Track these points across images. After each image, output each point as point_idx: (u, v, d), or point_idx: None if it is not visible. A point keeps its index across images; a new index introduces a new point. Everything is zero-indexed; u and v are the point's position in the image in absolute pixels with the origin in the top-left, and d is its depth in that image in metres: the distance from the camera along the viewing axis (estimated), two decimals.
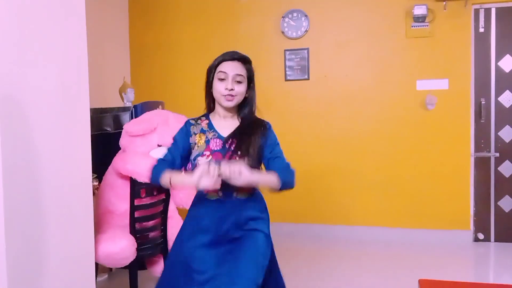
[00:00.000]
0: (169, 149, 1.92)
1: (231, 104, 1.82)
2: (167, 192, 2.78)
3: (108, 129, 3.32)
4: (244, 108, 1.89)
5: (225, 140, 1.83)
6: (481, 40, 4.04)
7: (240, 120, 1.90)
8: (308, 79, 4.34)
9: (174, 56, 4.70)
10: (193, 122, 1.92)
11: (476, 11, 4.04)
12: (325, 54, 4.33)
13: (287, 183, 1.78)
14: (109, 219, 2.69)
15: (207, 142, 1.85)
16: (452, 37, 4.04)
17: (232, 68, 1.82)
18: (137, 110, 3.31)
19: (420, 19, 4.01)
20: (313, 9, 4.32)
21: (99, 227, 2.64)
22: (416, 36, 4.10)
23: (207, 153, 1.81)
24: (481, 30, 4.04)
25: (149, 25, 4.76)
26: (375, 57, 4.22)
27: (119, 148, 2.81)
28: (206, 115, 1.94)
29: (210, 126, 1.89)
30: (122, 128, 2.82)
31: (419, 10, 3.96)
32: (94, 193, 2.74)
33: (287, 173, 1.79)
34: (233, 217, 1.81)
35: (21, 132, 1.80)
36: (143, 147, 2.66)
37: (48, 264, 1.93)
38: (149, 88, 4.72)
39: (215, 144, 1.84)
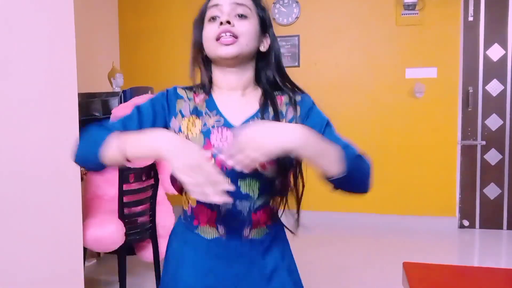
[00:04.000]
0: (121, 120, 1.10)
1: (231, 50, 1.03)
2: (155, 177, 2.78)
3: (97, 114, 3.29)
4: (265, 71, 1.12)
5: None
6: (470, 29, 4.07)
7: (262, 93, 1.11)
8: (298, 66, 4.34)
9: (164, 42, 4.66)
10: (181, 92, 1.15)
11: (466, 0, 4.06)
12: (315, 41, 4.33)
13: (356, 170, 1.06)
14: (97, 204, 2.69)
15: (206, 133, 1.06)
16: (442, 25, 4.06)
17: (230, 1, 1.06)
18: (126, 95, 3.28)
19: (410, 7, 4.01)
20: None
21: (87, 212, 2.64)
22: (406, 24, 4.11)
23: (208, 153, 1.01)
24: (470, 18, 4.06)
25: (139, 10, 4.70)
26: (365, 44, 4.23)
27: None
28: (204, 87, 1.15)
29: (211, 104, 1.11)
30: (111, 113, 2.80)
31: None
32: (82, 178, 2.73)
33: (356, 159, 1.09)
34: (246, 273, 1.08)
35: (7, 116, 1.78)
36: None
37: (36, 249, 1.93)
38: (138, 73, 4.68)
39: (220, 137, 1.06)
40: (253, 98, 1.11)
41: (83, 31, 3.91)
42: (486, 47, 4.05)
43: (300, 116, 1.12)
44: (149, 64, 4.71)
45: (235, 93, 1.11)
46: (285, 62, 4.32)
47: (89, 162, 1.05)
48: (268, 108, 1.08)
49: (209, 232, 1.08)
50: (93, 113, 3.29)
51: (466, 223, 4.17)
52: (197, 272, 1.08)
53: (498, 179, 4.09)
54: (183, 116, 1.09)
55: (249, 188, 1.04)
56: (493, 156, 4.10)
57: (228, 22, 1.04)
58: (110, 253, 2.68)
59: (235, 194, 0.99)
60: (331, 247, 3.71)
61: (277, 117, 1.08)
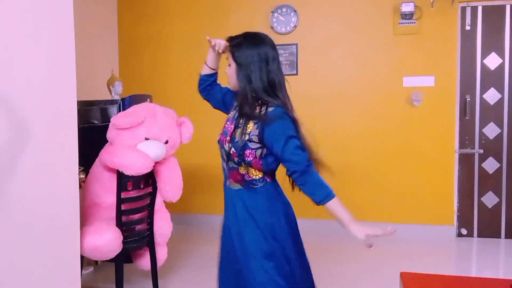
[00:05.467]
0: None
1: (230, 87, 1.84)
2: (154, 185, 2.78)
3: (96, 122, 3.30)
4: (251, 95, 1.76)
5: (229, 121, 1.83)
6: (467, 38, 4.10)
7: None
8: (296, 74, 4.36)
9: (163, 50, 4.68)
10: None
11: (463, 9, 4.09)
12: (313, 50, 4.35)
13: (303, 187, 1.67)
14: (95, 211, 2.69)
15: (226, 120, 1.85)
16: (439, 34, 4.09)
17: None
18: (125, 103, 3.29)
19: (408, 16, 4.04)
20: (302, 5, 4.34)
21: (85, 219, 2.64)
22: (404, 33, 4.14)
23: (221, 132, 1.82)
24: (468, 28, 4.09)
25: (138, 18, 4.73)
26: (362, 53, 4.26)
27: (107, 141, 2.80)
28: None
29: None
30: (110, 121, 2.81)
31: (407, 7, 3.99)
32: (80, 186, 2.74)
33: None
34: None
35: (6, 124, 1.78)
36: (130, 140, 2.65)
37: (33, 256, 1.93)
38: (137, 81, 4.70)
39: (226, 125, 1.82)
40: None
41: (82, 39, 3.93)
42: (484, 55, 4.08)
43: (259, 136, 1.67)
44: (148, 72, 4.72)
45: None
46: (284, 70, 4.31)
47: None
48: (240, 124, 1.74)
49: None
50: (92, 121, 3.30)
51: (464, 231, 4.17)
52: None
53: (496, 187, 4.10)
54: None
55: (225, 155, 1.77)
56: (491, 165, 4.11)
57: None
58: (107, 261, 2.67)
59: (221, 157, 1.80)
60: (328, 255, 3.71)
61: (238, 130, 1.73)
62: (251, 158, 1.69)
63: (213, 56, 1.94)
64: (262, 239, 1.70)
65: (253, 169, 1.72)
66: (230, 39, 1.81)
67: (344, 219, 1.53)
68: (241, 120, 1.72)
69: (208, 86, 1.98)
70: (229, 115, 1.87)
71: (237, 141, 1.69)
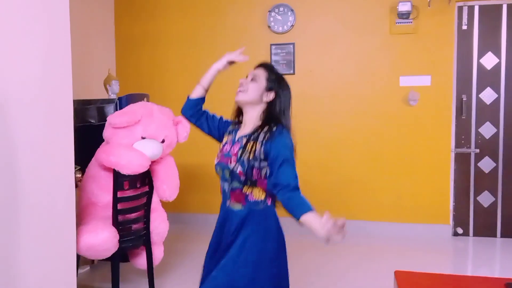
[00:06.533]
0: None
1: (237, 97, 1.83)
2: (150, 184, 2.78)
3: (92, 121, 3.30)
4: (270, 112, 1.82)
5: (227, 144, 1.85)
6: (464, 37, 4.11)
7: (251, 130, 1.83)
8: (293, 73, 4.37)
9: (161, 49, 4.68)
10: (231, 127, 1.94)
11: (460, 9, 4.10)
12: (310, 49, 4.36)
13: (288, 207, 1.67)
14: (91, 210, 2.69)
15: (223, 145, 1.87)
16: (436, 34, 4.10)
17: (254, 71, 1.87)
18: (122, 102, 3.29)
19: (405, 15, 4.05)
20: (299, 4, 4.34)
21: (81, 218, 2.64)
22: (400, 33, 4.15)
23: (218, 155, 1.85)
24: (464, 27, 4.10)
25: (135, 17, 4.72)
26: (359, 52, 4.26)
27: (103, 140, 2.80)
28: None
29: (235, 130, 1.89)
30: (106, 120, 2.80)
31: (404, 7, 4.00)
32: (77, 185, 2.74)
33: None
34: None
35: (2, 123, 1.78)
36: (127, 139, 2.65)
37: (29, 256, 1.93)
38: (135, 80, 4.69)
39: (225, 148, 1.84)
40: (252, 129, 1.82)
41: (79, 38, 3.92)
42: (480, 55, 4.09)
43: (264, 153, 1.72)
44: (145, 71, 4.72)
45: (246, 125, 1.85)
46: (281, 69, 4.35)
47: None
48: (247, 143, 1.77)
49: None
50: (89, 120, 3.29)
51: (460, 230, 4.19)
52: None
53: (492, 187, 4.11)
54: (227, 133, 1.94)
55: (229, 175, 1.78)
56: (486, 164, 4.12)
57: (241, 84, 1.83)
58: (103, 260, 2.68)
59: (222, 178, 1.82)
60: (324, 254, 3.71)
61: (246, 151, 1.76)
62: (256, 177, 1.73)
63: (213, 77, 1.96)
64: (250, 260, 1.73)
65: (257, 189, 1.76)
66: (268, 66, 1.90)
67: (317, 227, 1.53)
68: (248, 141, 1.76)
69: (198, 112, 1.97)
70: (225, 139, 1.90)
71: (243, 160, 1.73)
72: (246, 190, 1.75)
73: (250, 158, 1.71)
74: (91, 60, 4.29)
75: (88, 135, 3.03)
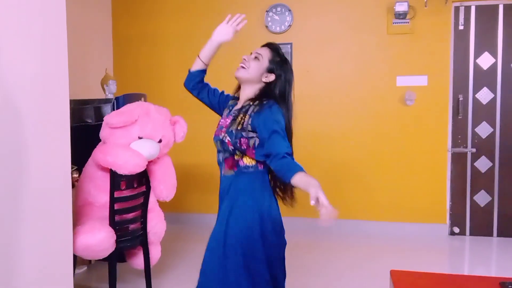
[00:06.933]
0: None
1: (237, 73, 1.88)
2: (147, 184, 2.78)
3: (89, 120, 3.30)
4: (267, 92, 1.88)
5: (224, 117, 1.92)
6: (460, 38, 4.12)
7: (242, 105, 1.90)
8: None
9: (158, 49, 4.67)
10: (231, 101, 2.00)
11: (456, 9, 4.11)
12: (308, 49, 4.36)
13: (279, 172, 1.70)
14: (88, 211, 2.69)
15: (221, 119, 1.95)
16: (432, 34, 4.11)
17: (259, 49, 1.91)
18: (119, 102, 3.29)
19: (401, 15, 4.06)
20: (296, 4, 4.34)
21: (78, 219, 2.64)
22: (397, 33, 4.16)
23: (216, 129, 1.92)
24: (461, 27, 4.12)
25: (132, 16, 4.72)
26: (357, 53, 4.27)
27: (100, 140, 2.80)
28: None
29: (233, 105, 1.95)
30: (103, 120, 2.80)
31: (401, 7, 4.01)
32: (74, 185, 2.73)
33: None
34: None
35: None
36: (124, 139, 2.65)
37: (26, 256, 1.93)
38: (132, 80, 4.69)
39: (221, 122, 1.92)
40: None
41: (76, 38, 3.92)
42: (476, 55, 4.11)
43: (251, 124, 1.78)
44: (142, 71, 4.71)
45: (242, 100, 1.90)
46: None
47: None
48: (238, 116, 1.85)
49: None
50: (86, 120, 3.29)
51: (456, 230, 4.20)
52: None
53: (488, 186, 4.13)
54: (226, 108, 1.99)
55: (220, 146, 1.87)
56: (483, 164, 4.14)
57: (244, 60, 1.88)
58: (101, 260, 2.68)
59: (218, 150, 1.90)
60: (320, 253, 3.72)
61: (235, 122, 1.84)
62: (245, 147, 1.79)
63: (211, 49, 2.01)
64: (246, 219, 1.78)
65: (246, 157, 1.83)
66: (274, 46, 1.93)
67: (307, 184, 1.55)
68: (240, 114, 1.83)
69: (198, 84, 2.04)
70: (224, 114, 1.98)
71: (232, 130, 1.81)
72: (237, 157, 1.82)
73: (238, 128, 1.78)
74: (88, 60, 4.28)
75: (85, 135, 3.03)
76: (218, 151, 1.90)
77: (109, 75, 3.72)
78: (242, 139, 1.78)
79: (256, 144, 1.78)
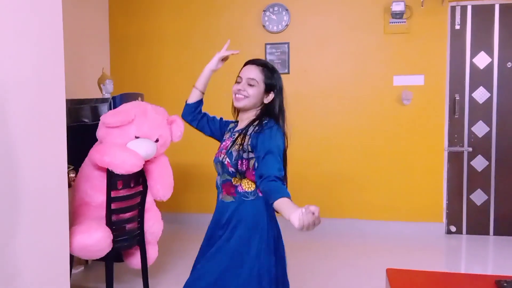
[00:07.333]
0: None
1: (238, 104, 1.83)
2: (144, 184, 2.78)
3: (86, 120, 3.29)
4: (269, 111, 1.85)
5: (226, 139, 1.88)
6: (457, 37, 4.14)
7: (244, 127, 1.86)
8: (288, 73, 4.38)
9: (155, 48, 4.67)
10: (231, 125, 1.98)
11: (453, 9, 4.13)
12: (305, 49, 4.37)
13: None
14: (85, 210, 2.68)
15: (222, 141, 1.91)
16: (429, 33, 4.13)
17: (247, 72, 1.85)
18: (116, 102, 3.29)
19: (398, 15, 4.07)
20: (294, 4, 4.35)
21: (75, 218, 2.63)
22: (394, 32, 4.17)
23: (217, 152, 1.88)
24: (457, 27, 4.13)
25: (129, 16, 4.71)
26: (354, 52, 4.28)
27: (97, 140, 2.80)
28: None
29: (233, 128, 1.93)
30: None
31: (397, 7, 4.02)
32: (70, 185, 2.73)
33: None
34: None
35: None
36: (121, 139, 2.65)
37: (22, 256, 1.93)
38: (130, 80, 4.68)
39: (222, 145, 1.88)
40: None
41: (73, 38, 3.91)
42: (473, 55, 4.12)
43: (250, 144, 1.75)
44: (139, 70, 4.71)
45: (243, 122, 1.88)
46: None
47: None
48: (238, 137, 1.83)
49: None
50: (83, 120, 3.29)
51: (453, 229, 4.22)
52: None
53: (485, 185, 4.14)
54: (227, 132, 1.97)
55: (220, 168, 1.83)
56: (479, 163, 4.15)
57: (239, 90, 1.82)
58: (98, 260, 2.67)
59: (217, 173, 1.86)
60: (317, 253, 3.73)
61: (235, 143, 1.81)
62: (245, 168, 1.75)
63: (208, 78, 1.99)
64: (240, 252, 1.73)
65: (246, 181, 1.78)
66: (263, 63, 1.87)
67: (287, 212, 1.49)
68: (240, 135, 1.81)
69: (197, 114, 2.01)
70: (225, 137, 1.93)
71: (232, 152, 1.77)
72: (236, 181, 1.78)
73: (239, 149, 1.76)
74: (85, 59, 4.27)
75: (82, 134, 3.02)
76: (218, 174, 1.86)
77: (106, 74, 3.72)
78: (243, 160, 1.75)
79: (256, 165, 1.73)
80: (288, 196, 1.54)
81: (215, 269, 1.72)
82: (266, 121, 1.78)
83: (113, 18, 4.76)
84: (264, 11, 4.38)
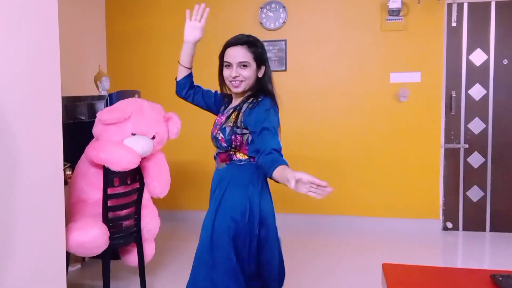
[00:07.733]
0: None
1: (238, 90, 1.84)
2: (141, 181, 2.78)
3: (83, 117, 3.28)
4: (256, 87, 1.87)
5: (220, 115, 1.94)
6: (453, 34, 4.14)
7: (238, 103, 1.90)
8: (285, 70, 4.37)
9: (152, 45, 4.66)
10: (226, 99, 2.01)
11: (449, 6, 4.13)
12: (302, 46, 4.37)
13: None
14: (81, 208, 2.67)
15: (217, 117, 1.96)
16: (425, 31, 4.13)
17: (235, 56, 1.83)
18: (112, 99, 3.28)
19: (395, 12, 4.07)
20: (291, 1, 4.35)
21: (71, 216, 2.63)
22: (391, 30, 4.17)
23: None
24: (453, 24, 4.14)
25: (126, 13, 4.70)
26: (350, 49, 4.28)
27: (93, 137, 2.79)
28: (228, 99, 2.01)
29: (228, 102, 1.97)
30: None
31: (394, 4, 4.02)
32: (66, 182, 2.72)
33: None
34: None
35: None
36: (117, 136, 2.64)
37: (18, 254, 1.92)
38: (126, 77, 4.67)
39: (217, 120, 1.94)
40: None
41: (69, 35, 3.90)
42: (469, 52, 4.13)
43: (244, 122, 1.79)
44: (136, 68, 4.70)
45: (237, 99, 1.91)
46: (272, 66, 4.35)
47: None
48: (232, 113, 1.86)
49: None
50: (79, 117, 3.28)
51: (449, 225, 4.23)
52: None
53: (481, 182, 4.16)
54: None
55: (215, 143, 1.89)
56: (476, 159, 4.17)
57: (236, 76, 1.81)
58: (95, 257, 2.67)
59: (215, 144, 1.90)
60: (314, 249, 3.74)
61: (229, 120, 1.85)
62: (238, 143, 1.81)
63: (187, 51, 2.03)
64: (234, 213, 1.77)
65: (240, 153, 1.85)
66: (246, 41, 1.86)
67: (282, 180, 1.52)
68: (234, 111, 1.85)
69: (190, 90, 2.05)
70: (220, 111, 2.00)
71: (225, 127, 1.83)
72: (231, 152, 1.85)
73: (232, 125, 1.80)
74: (82, 56, 4.26)
75: (78, 131, 3.01)
76: (216, 147, 1.93)
77: (102, 72, 3.71)
78: (236, 136, 1.80)
79: (249, 140, 1.80)
80: (285, 163, 1.57)
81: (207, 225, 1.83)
82: (261, 99, 1.80)
83: (110, 15, 4.75)
84: (261, 8, 4.37)
